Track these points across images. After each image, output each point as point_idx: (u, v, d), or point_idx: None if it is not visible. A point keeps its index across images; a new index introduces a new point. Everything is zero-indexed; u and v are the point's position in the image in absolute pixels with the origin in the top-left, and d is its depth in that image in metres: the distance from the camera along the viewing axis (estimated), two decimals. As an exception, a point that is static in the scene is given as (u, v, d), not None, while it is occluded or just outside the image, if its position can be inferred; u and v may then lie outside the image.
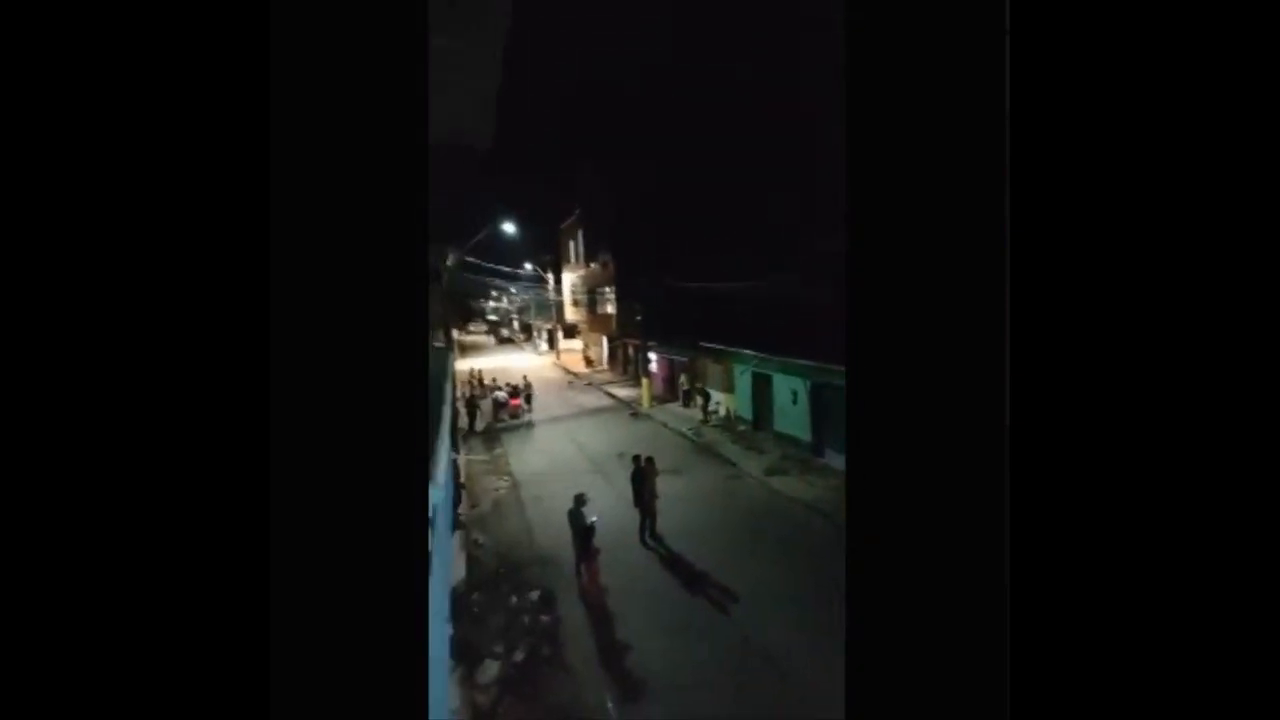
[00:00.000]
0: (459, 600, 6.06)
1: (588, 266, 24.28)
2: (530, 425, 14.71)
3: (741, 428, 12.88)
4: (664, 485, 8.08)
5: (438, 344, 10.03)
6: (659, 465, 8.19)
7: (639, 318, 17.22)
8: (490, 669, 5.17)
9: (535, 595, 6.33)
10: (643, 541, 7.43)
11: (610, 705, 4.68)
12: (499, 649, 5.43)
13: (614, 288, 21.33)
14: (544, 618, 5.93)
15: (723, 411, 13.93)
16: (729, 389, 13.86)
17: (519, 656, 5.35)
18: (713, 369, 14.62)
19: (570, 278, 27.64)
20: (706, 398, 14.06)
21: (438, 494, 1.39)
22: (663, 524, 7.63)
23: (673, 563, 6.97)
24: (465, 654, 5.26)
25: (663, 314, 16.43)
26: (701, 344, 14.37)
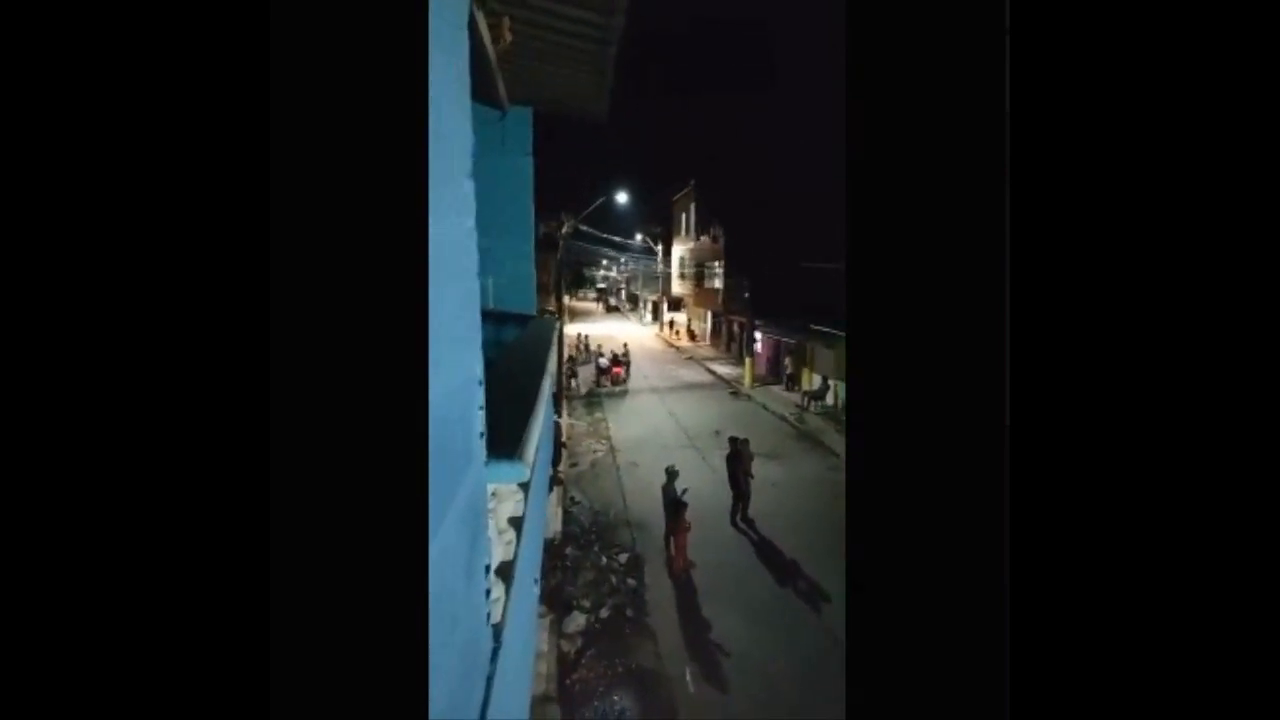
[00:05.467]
0: (554, 552, 6.44)
1: (698, 239, 23.89)
2: (626, 392, 15.01)
3: (849, 417, 12.11)
4: (760, 471, 7.86)
5: (549, 310, 10.48)
6: (757, 449, 7.98)
7: (746, 294, 16.67)
8: (577, 620, 5.46)
9: (624, 557, 6.54)
10: (733, 523, 7.33)
11: (689, 677, 4.74)
12: (587, 603, 5.71)
13: (723, 262, 20.81)
14: (630, 580, 6.12)
15: (830, 399, 13.17)
16: (840, 375, 13.04)
17: (605, 613, 5.58)
18: (823, 353, 13.81)
19: (679, 250, 27.43)
20: (826, 387, 13.28)
21: (526, 470, 1.39)
22: (756, 509, 7.46)
23: (763, 549, 6.81)
24: (556, 604, 5.59)
25: (772, 292, 15.76)
26: (812, 326, 13.60)
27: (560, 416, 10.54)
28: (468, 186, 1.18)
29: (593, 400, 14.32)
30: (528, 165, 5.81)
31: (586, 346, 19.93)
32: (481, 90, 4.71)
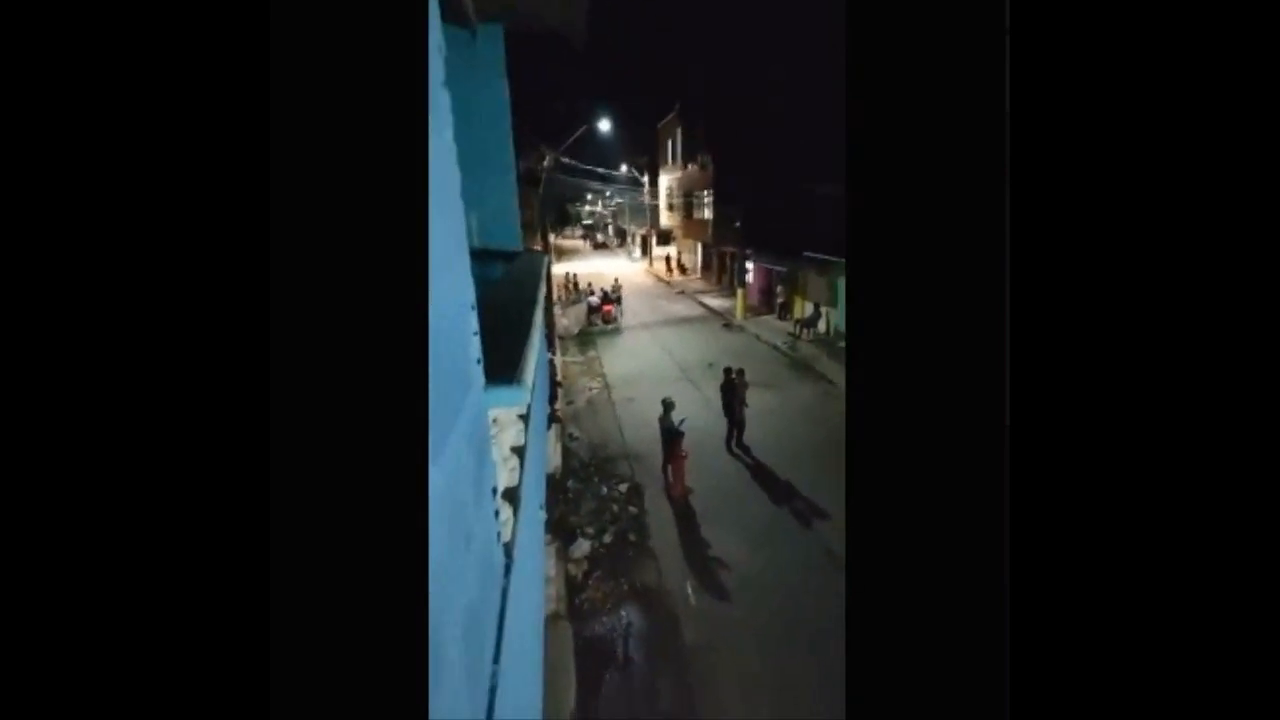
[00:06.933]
0: (556, 485, 6.65)
1: (685, 168, 23.05)
2: (619, 330, 15.01)
3: (842, 344, 12.26)
4: (754, 399, 8.02)
5: (536, 248, 10.25)
6: (751, 378, 8.10)
7: (737, 224, 16.32)
8: (582, 546, 5.74)
9: (624, 487, 6.78)
10: (729, 449, 7.56)
11: (690, 591, 5.05)
12: (591, 530, 5.97)
13: (712, 191, 20.21)
14: (631, 508, 6.38)
15: (822, 327, 13.26)
16: (832, 302, 13.06)
17: (608, 539, 5.86)
18: (815, 281, 13.75)
19: (666, 180, 26.52)
20: (818, 314, 13.34)
21: (525, 394, 1.40)
22: (751, 436, 7.67)
23: (758, 473, 7.07)
24: (561, 532, 5.85)
25: (763, 220, 15.43)
26: (805, 253, 13.44)
27: (554, 355, 10.58)
28: (443, 97, 1.09)
29: (586, 339, 14.32)
30: (503, 90, 5.43)
31: (575, 285, 19.66)
32: (445, 5, 4.32)
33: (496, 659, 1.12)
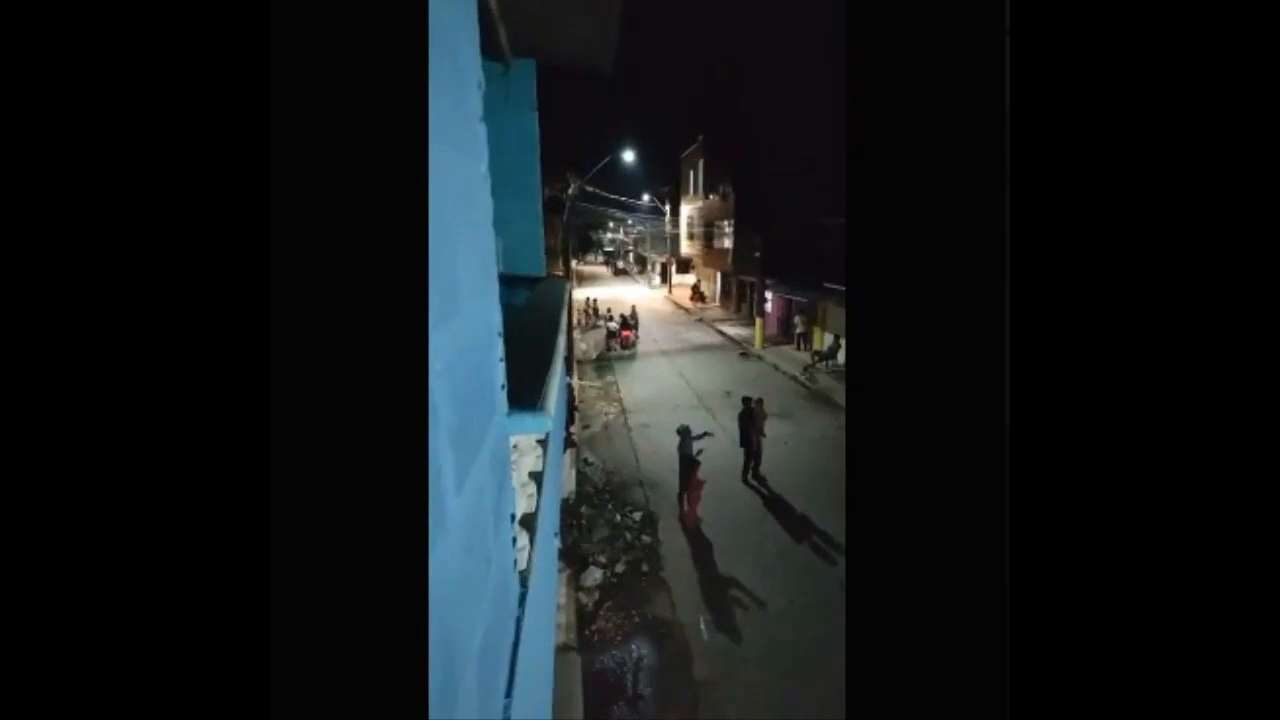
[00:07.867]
0: (569, 511, 6.60)
1: (706, 198, 23.37)
2: (636, 356, 15.04)
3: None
4: (771, 429, 7.93)
5: (558, 273, 10.41)
6: (768, 408, 8.02)
7: (757, 253, 16.40)
8: (594, 574, 5.64)
9: (638, 515, 6.69)
10: (745, 480, 7.44)
11: (703, 625, 4.91)
12: (603, 558, 5.88)
13: (732, 220, 20.39)
14: (645, 537, 6.27)
15: (841, 358, 13.12)
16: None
17: (620, 568, 5.76)
18: (834, 311, 13.66)
19: (688, 209, 26.88)
20: (837, 345, 13.23)
21: (548, 421, 1.40)
22: (767, 467, 7.55)
23: (774, 504, 6.93)
24: (573, 559, 5.77)
25: (783, 250, 15.48)
26: (825, 284, 13.41)
27: (572, 379, 10.63)
28: (480, 129, 1.14)
29: (603, 364, 14.37)
30: (533, 121, 5.63)
31: (595, 310, 19.85)
32: (483, 42, 4.51)
33: (509, 692, 1.10)
